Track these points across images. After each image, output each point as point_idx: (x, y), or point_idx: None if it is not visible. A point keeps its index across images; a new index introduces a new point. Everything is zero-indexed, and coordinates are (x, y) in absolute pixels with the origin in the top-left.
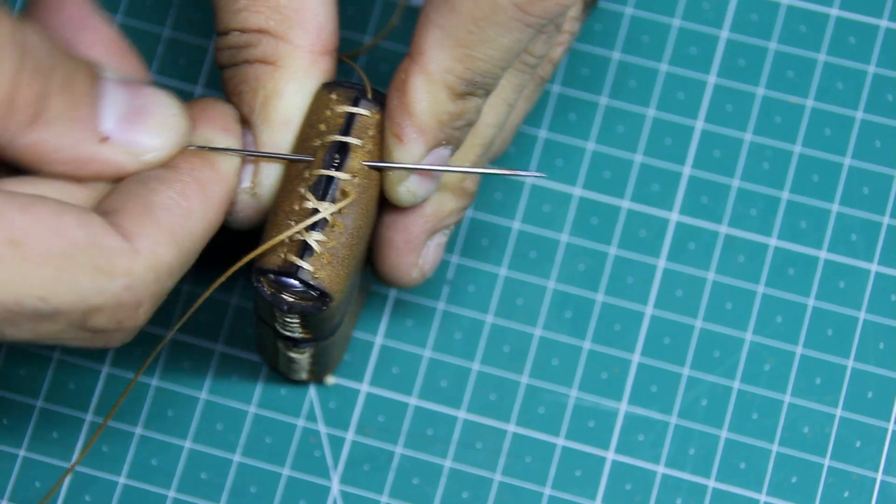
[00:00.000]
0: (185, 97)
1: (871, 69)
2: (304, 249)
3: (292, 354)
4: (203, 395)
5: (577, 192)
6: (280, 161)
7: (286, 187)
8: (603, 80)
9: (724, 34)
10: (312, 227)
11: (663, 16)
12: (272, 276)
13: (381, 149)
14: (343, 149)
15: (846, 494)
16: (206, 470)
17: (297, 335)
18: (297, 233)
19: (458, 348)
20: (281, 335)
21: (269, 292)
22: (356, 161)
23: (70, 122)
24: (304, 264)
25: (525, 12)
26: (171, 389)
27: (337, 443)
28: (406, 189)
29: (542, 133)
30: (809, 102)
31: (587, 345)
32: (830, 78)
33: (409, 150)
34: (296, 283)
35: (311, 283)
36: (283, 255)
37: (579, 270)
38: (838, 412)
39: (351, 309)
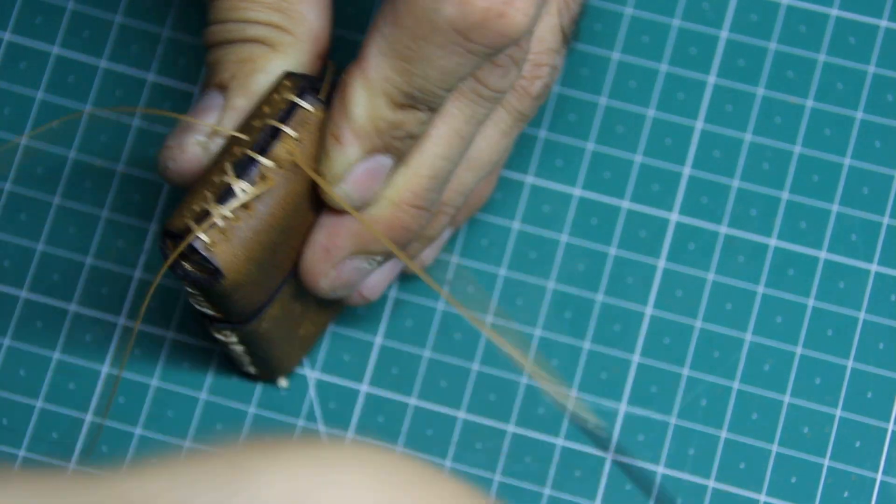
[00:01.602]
0: (185, 97)
1: (871, 69)
2: (206, 220)
3: (217, 336)
4: (203, 395)
5: (577, 192)
6: (253, 92)
7: (218, 158)
8: (602, 80)
9: (724, 34)
10: (222, 201)
11: (663, 16)
12: (176, 239)
13: (318, 147)
14: (275, 135)
15: (846, 495)
16: None
17: (206, 311)
18: (206, 202)
19: (457, 349)
20: (198, 311)
21: (170, 255)
22: (284, 151)
23: None
24: (202, 234)
25: (466, 38)
26: (171, 390)
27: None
28: (340, 190)
29: (542, 133)
30: (809, 103)
31: (587, 345)
32: (830, 78)
33: (345, 153)
34: (191, 250)
35: (203, 253)
36: (186, 220)
37: (579, 271)
38: (838, 412)
39: (310, 315)
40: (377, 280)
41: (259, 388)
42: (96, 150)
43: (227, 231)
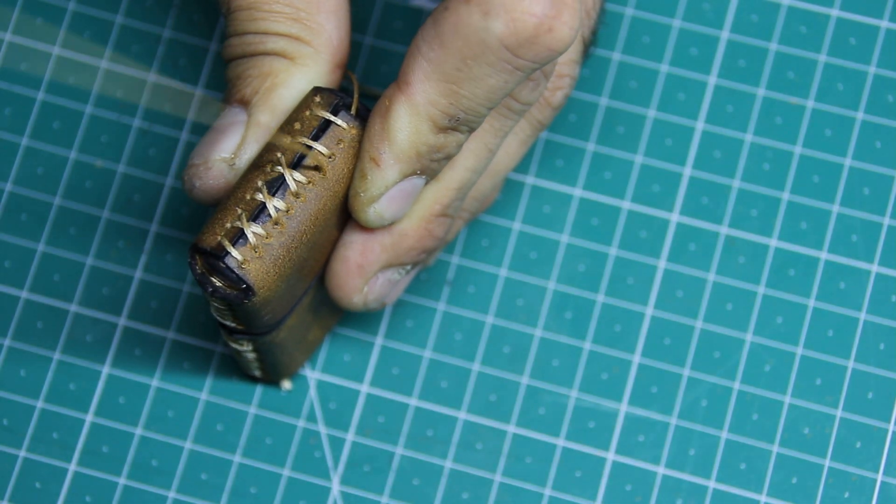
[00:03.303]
0: (185, 97)
1: (872, 70)
2: (239, 238)
3: (233, 345)
4: (203, 395)
5: (578, 192)
6: (277, 107)
7: (248, 175)
8: (603, 80)
9: (725, 35)
10: (254, 218)
11: (664, 16)
12: (205, 256)
13: (350, 163)
14: (307, 152)
15: (846, 495)
16: (207, 471)
17: (228, 323)
18: (238, 220)
19: (458, 349)
20: (218, 321)
21: (199, 271)
22: (316, 168)
23: None
24: (234, 251)
25: (515, 55)
26: (171, 390)
27: (337, 443)
28: (374, 210)
29: (543, 134)
30: (810, 103)
31: (587, 345)
32: (831, 79)
33: (384, 176)
34: (223, 268)
35: (236, 271)
36: (218, 237)
37: (579, 271)
38: (838, 413)
39: (319, 320)
40: (399, 286)
41: (259, 389)
42: (96, 150)
43: (259, 248)
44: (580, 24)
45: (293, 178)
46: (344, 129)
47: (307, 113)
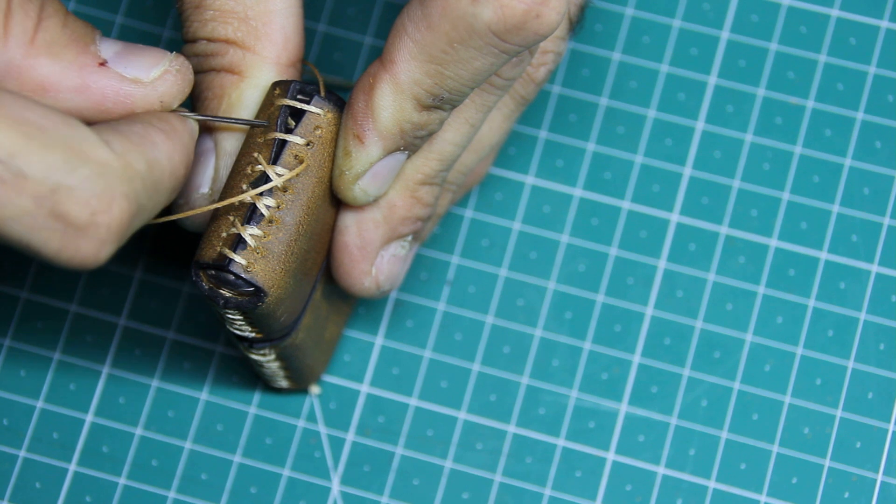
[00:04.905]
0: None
1: (872, 70)
2: (238, 243)
3: (254, 356)
4: (203, 395)
5: (578, 192)
6: (240, 129)
7: (231, 182)
8: (603, 80)
9: (725, 35)
10: (248, 221)
11: (664, 16)
12: (210, 270)
13: (328, 146)
14: (283, 145)
15: (846, 495)
16: (207, 471)
17: (247, 334)
18: (233, 226)
19: (458, 349)
20: (235, 335)
21: (206, 287)
22: (297, 158)
23: (68, 44)
24: (237, 257)
25: (503, 40)
26: (171, 390)
27: (337, 444)
28: (359, 187)
29: (543, 133)
30: (810, 103)
31: (587, 345)
32: (831, 79)
33: (368, 152)
34: (230, 276)
35: (244, 276)
36: (218, 249)
37: (579, 271)
38: (838, 413)
39: (332, 317)
40: (406, 263)
41: (259, 389)
42: None
43: (260, 249)
44: (566, 7)
45: (276, 173)
46: (319, 114)
47: (274, 111)
